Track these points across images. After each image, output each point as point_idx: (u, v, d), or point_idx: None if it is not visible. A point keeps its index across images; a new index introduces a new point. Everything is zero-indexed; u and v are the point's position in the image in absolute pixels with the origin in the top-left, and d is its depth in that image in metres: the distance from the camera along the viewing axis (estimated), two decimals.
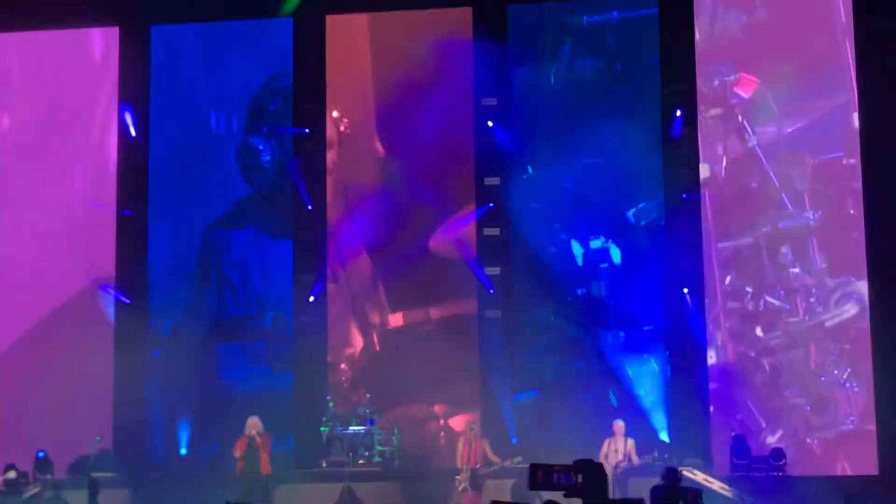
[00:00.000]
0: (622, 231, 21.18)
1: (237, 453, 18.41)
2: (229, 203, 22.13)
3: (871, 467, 19.37)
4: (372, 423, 20.54)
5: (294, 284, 21.64)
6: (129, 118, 21.88)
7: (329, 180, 21.94)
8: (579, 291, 21.24)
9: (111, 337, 21.58)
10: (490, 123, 21.31)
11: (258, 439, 18.30)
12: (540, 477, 5.00)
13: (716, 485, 18.71)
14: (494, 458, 19.03)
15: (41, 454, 20.08)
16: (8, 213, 22.11)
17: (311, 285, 21.46)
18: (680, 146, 20.70)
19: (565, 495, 4.76)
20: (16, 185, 22.19)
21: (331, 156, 21.96)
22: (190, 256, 22.10)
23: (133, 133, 21.89)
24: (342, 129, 22.07)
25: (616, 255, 21.16)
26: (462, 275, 21.43)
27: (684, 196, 20.54)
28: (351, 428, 20.42)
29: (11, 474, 19.09)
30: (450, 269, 21.57)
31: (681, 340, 20.50)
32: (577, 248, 21.24)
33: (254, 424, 18.46)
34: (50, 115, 22.29)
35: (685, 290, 20.30)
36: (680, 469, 17.14)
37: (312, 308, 21.46)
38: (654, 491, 15.08)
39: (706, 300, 20.40)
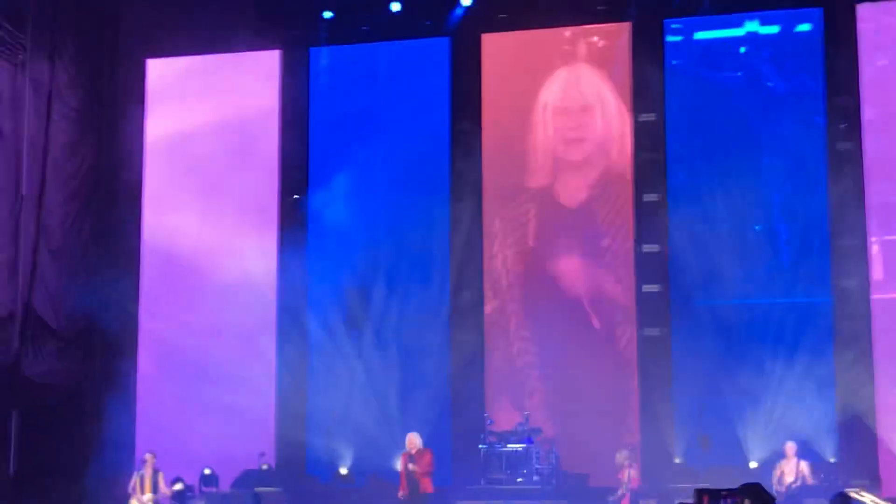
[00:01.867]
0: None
1: (401, 470, 18.43)
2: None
3: None
4: (531, 440, 20.46)
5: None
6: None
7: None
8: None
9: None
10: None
11: (414, 459, 18.23)
12: (706, 502, 4.87)
13: None
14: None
15: (206, 471, 20.53)
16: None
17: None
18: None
19: None
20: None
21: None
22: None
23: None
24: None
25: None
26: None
27: None
28: (509, 446, 20.34)
29: (179, 486, 19.53)
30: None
31: None
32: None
33: (412, 440, 18.48)
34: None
35: None
36: (847, 491, 16.80)
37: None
38: None
39: None
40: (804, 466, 18.55)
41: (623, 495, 18.83)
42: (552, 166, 22.24)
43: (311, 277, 22.21)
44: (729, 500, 4.93)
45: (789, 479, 18.41)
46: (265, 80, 22.98)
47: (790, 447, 18.76)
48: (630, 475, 18.80)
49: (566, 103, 22.25)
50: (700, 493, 4.86)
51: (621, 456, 19.14)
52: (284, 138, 22.83)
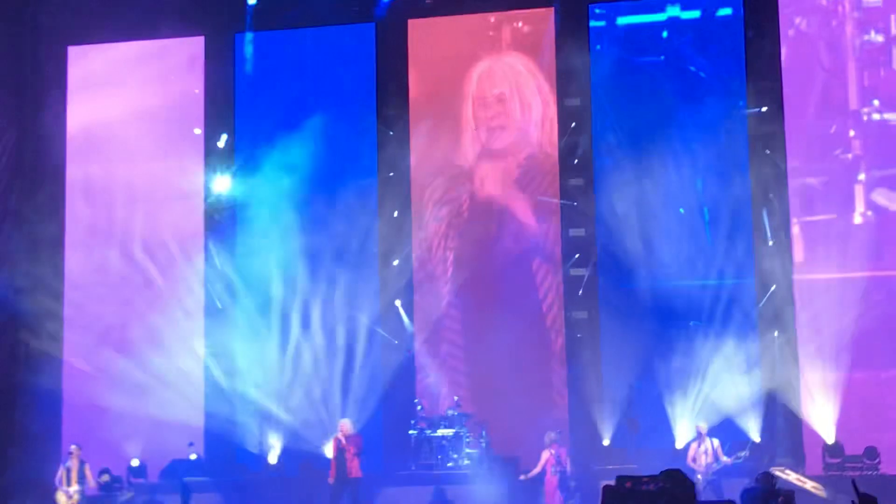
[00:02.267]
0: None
1: (330, 454, 18.47)
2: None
3: None
4: (462, 425, 20.53)
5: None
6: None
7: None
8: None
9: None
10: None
11: (343, 441, 18.31)
12: (628, 487, 4.90)
13: (808, 484, 18.48)
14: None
15: (134, 462, 20.39)
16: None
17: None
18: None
19: None
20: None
21: None
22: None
23: None
24: None
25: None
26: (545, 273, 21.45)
27: None
28: (440, 431, 20.41)
29: (105, 478, 19.37)
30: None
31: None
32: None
33: (343, 426, 18.50)
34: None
35: None
36: (773, 469, 17.04)
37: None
38: (747, 493, 14.96)
39: None
40: (716, 444, 18.65)
41: (538, 474, 18.84)
42: (479, 152, 22.31)
43: (239, 267, 22.08)
44: (651, 486, 4.96)
45: (704, 458, 18.51)
46: (189, 68, 22.78)
47: (701, 427, 18.90)
48: (554, 455, 18.80)
49: (491, 90, 22.31)
50: (622, 479, 4.89)
51: (548, 437, 19.21)
52: (209, 126, 22.65)
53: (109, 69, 22.73)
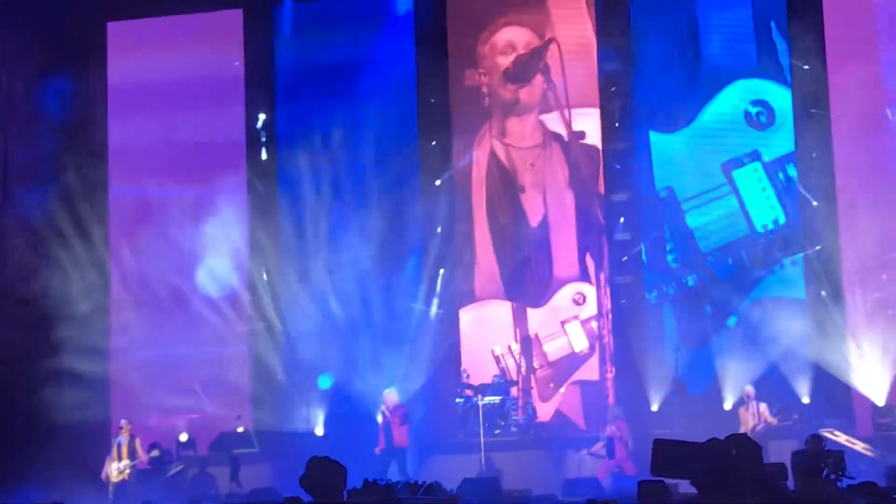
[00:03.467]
0: None
1: (377, 425, 18.59)
2: None
3: None
4: (507, 393, 20.50)
5: None
6: None
7: None
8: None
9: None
10: None
11: (387, 413, 18.39)
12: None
13: (858, 445, 18.32)
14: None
15: (183, 437, 20.52)
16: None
17: None
18: None
19: (692, 483, 4.55)
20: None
21: None
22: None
23: None
24: None
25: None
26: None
27: None
28: (486, 398, 20.35)
29: (155, 453, 19.51)
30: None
31: None
32: None
33: (389, 396, 18.56)
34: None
35: None
36: (822, 431, 16.91)
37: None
38: (797, 455, 14.84)
39: None
40: (763, 409, 18.59)
41: (604, 452, 18.82)
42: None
43: (282, 236, 22.11)
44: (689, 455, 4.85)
45: (751, 422, 18.47)
46: (228, 40, 22.76)
47: (747, 391, 18.82)
48: (615, 431, 18.78)
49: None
50: (660, 442, 4.80)
51: (611, 413, 19.21)
52: (249, 97, 22.60)
53: (149, 44, 22.73)
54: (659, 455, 4.86)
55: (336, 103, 21.97)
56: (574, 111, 21.78)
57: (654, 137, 21.32)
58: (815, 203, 20.27)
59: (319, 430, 21.28)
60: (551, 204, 21.81)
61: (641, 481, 7.09)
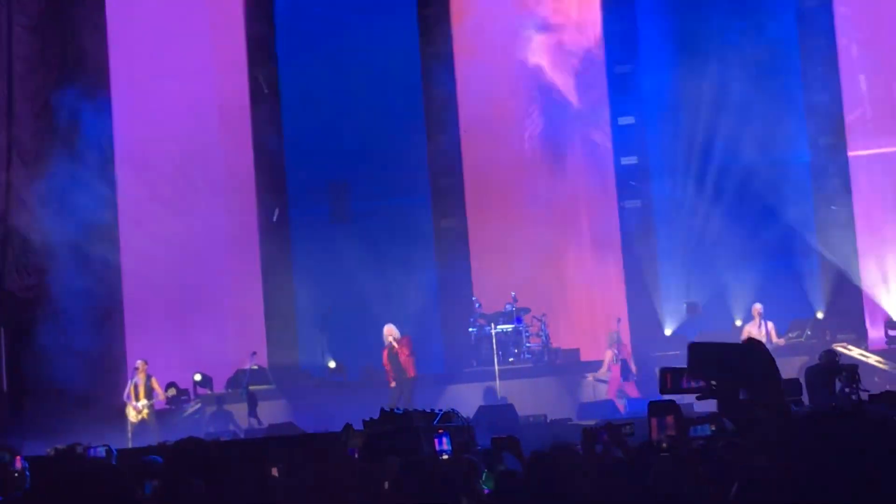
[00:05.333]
0: None
1: (385, 362, 18.78)
2: None
3: None
4: (520, 321, 20.53)
5: None
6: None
7: None
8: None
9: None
10: None
11: (395, 345, 18.63)
12: (669, 381, 4.86)
13: (872, 359, 18.38)
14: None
15: (198, 375, 20.61)
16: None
17: None
18: None
19: (698, 398, 4.63)
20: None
21: None
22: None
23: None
24: None
25: None
26: None
27: None
28: (499, 327, 20.39)
29: (172, 391, 19.63)
30: None
31: None
32: None
33: (389, 331, 18.75)
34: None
35: None
36: (835, 346, 16.99)
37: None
38: (810, 371, 14.92)
39: None
40: (770, 326, 18.66)
41: (608, 379, 19.01)
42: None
43: (289, 173, 22.10)
44: (691, 383, 4.90)
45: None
46: None
47: (756, 308, 18.87)
48: (616, 354, 18.95)
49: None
50: (664, 372, 4.86)
51: (610, 337, 19.31)
52: (251, 45, 22.40)
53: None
54: (695, 358, 4.94)
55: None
56: None
57: None
58: None
59: (332, 363, 21.33)
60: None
61: (653, 401, 7.15)
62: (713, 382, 4.82)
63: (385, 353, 18.91)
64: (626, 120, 21.30)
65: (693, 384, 4.78)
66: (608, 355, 19.15)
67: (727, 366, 4.87)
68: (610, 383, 19.14)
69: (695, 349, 4.88)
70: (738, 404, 4.69)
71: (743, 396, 5.03)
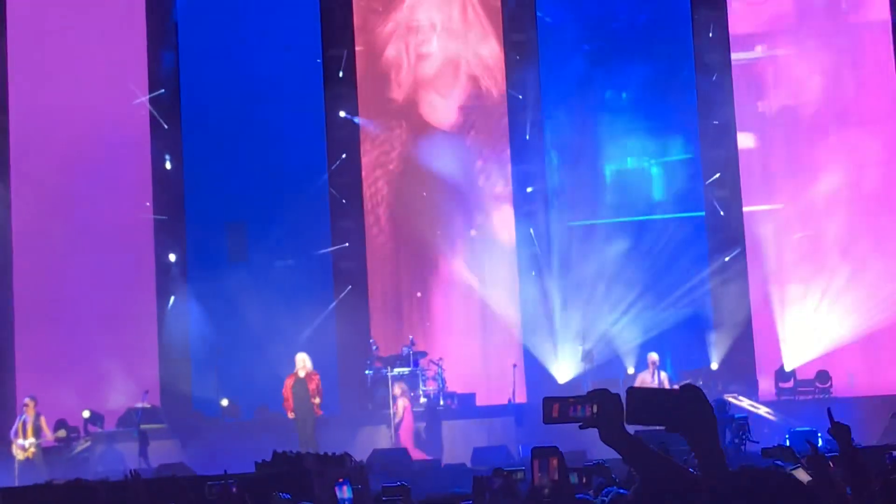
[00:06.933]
0: None
1: (286, 392, 18.39)
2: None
3: None
4: (417, 364, 20.55)
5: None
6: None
7: None
8: None
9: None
10: None
11: (304, 377, 18.20)
12: (556, 410, 4.94)
13: (761, 410, 18.70)
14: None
15: (87, 412, 20.29)
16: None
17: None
18: None
19: (581, 427, 4.69)
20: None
21: None
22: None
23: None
24: None
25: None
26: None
27: None
28: (395, 370, 20.39)
29: (62, 433, 19.29)
30: None
31: None
32: None
33: (303, 360, 18.37)
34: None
35: None
36: (726, 396, 17.27)
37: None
38: None
39: None
40: (664, 377, 18.91)
41: (398, 424, 18.96)
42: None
43: (188, 213, 21.94)
44: (578, 408, 4.99)
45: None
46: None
47: (651, 358, 19.10)
48: (403, 406, 18.99)
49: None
50: (549, 400, 4.94)
51: (397, 387, 19.29)
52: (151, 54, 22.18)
53: None
54: (632, 403, 5.03)
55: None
56: None
57: None
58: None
59: (225, 402, 21.12)
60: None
61: (535, 447, 7.26)
62: (595, 409, 4.88)
63: (290, 381, 18.38)
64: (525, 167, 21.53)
65: (579, 413, 4.87)
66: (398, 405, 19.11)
67: (665, 412, 4.95)
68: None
69: (633, 394, 4.96)
70: (623, 436, 4.77)
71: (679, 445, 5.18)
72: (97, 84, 21.50)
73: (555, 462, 5.29)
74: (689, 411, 4.70)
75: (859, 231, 20.56)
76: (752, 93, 21.47)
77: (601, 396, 4.82)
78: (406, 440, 18.78)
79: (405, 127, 22.51)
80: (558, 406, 5.16)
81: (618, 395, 5.09)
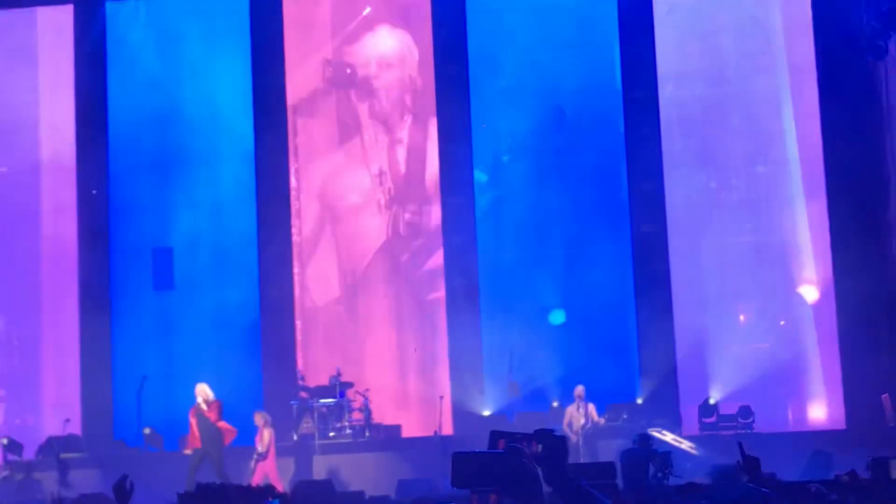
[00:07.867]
0: None
1: (191, 419, 17.81)
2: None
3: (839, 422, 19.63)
4: (343, 395, 20.44)
5: None
6: None
7: None
8: None
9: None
10: None
11: (204, 407, 17.57)
12: (501, 445, 4.95)
13: (684, 444, 18.82)
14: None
15: (5, 440, 19.97)
16: None
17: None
18: None
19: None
20: None
21: None
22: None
23: None
24: None
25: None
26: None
27: None
28: (321, 400, 20.26)
29: None
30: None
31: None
32: None
33: (201, 390, 17.71)
34: None
35: None
36: (650, 430, 17.38)
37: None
38: (625, 454, 15.23)
39: None
40: (591, 408, 19.02)
41: (260, 457, 18.65)
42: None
43: (112, 238, 21.73)
44: (524, 444, 5.02)
45: (580, 422, 18.86)
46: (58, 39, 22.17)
47: (578, 391, 19.18)
48: (269, 436, 18.70)
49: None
50: (496, 435, 4.96)
51: (259, 418, 18.97)
52: (79, 95, 22.02)
53: None
54: (458, 468, 5.07)
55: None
56: None
57: None
58: None
59: (147, 431, 20.85)
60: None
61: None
62: (539, 449, 4.92)
63: (192, 412, 17.82)
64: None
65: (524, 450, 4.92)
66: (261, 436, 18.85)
67: (490, 475, 5.01)
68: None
69: (458, 459, 5.01)
70: (565, 480, 4.82)
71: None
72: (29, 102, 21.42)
73: (493, 498, 5.27)
74: (512, 474, 4.77)
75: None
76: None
77: (548, 438, 4.85)
78: (271, 472, 18.42)
79: None
80: (504, 442, 5.20)
81: (563, 438, 5.14)
